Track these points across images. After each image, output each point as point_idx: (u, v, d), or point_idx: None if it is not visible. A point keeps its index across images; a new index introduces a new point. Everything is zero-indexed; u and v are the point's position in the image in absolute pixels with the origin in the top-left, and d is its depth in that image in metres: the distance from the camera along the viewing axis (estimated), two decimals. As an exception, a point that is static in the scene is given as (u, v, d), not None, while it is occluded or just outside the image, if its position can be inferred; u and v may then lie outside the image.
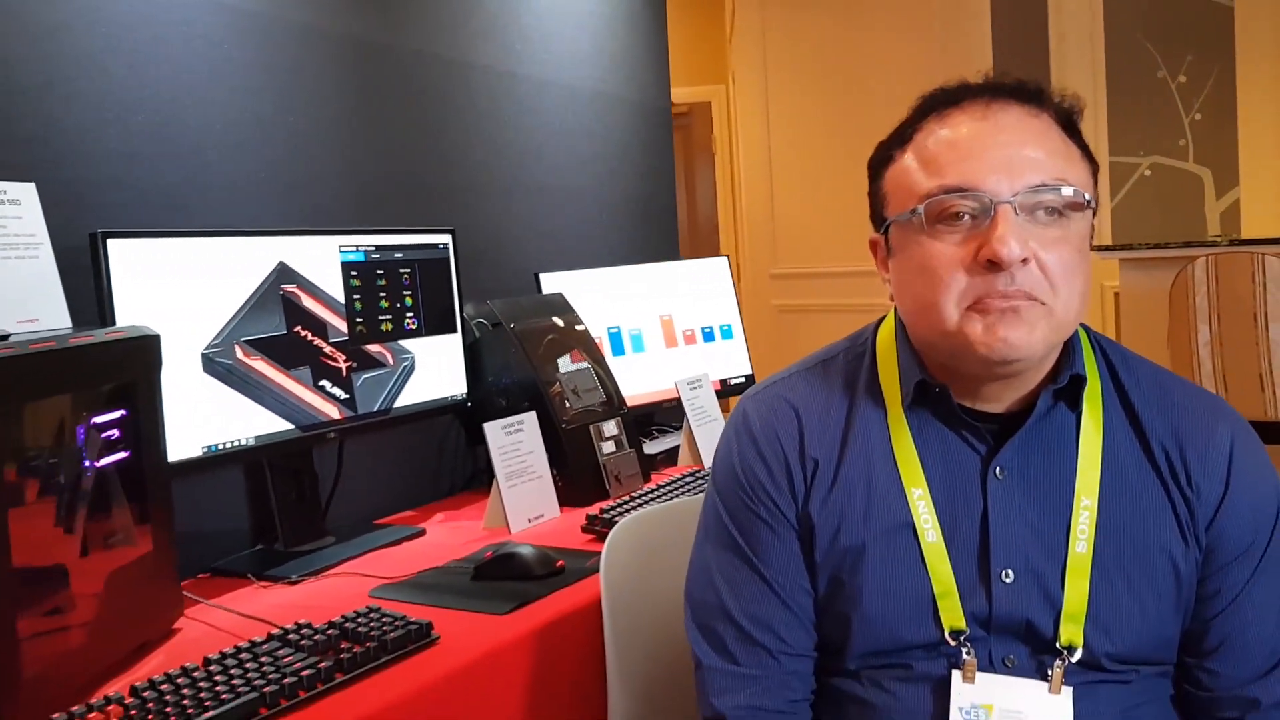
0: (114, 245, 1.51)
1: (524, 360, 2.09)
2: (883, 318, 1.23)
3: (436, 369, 2.04)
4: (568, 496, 2.03)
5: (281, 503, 1.82)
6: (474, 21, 2.46)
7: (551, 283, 2.43)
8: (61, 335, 1.31)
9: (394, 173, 2.23)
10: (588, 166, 2.85)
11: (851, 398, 1.16)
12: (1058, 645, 1.05)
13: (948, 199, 1.03)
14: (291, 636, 1.34)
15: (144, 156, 1.73)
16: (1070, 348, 1.10)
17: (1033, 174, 1.02)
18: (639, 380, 2.51)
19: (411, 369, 1.98)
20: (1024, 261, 1.00)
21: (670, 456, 2.41)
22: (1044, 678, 1.05)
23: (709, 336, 2.76)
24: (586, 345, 2.24)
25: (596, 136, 2.89)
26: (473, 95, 2.46)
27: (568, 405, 2.11)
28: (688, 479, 2.08)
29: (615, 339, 2.54)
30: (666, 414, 2.64)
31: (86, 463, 1.29)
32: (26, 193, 1.44)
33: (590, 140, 2.86)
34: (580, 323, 2.27)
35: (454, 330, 2.08)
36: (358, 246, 1.89)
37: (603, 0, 2.94)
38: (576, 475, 2.06)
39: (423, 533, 1.94)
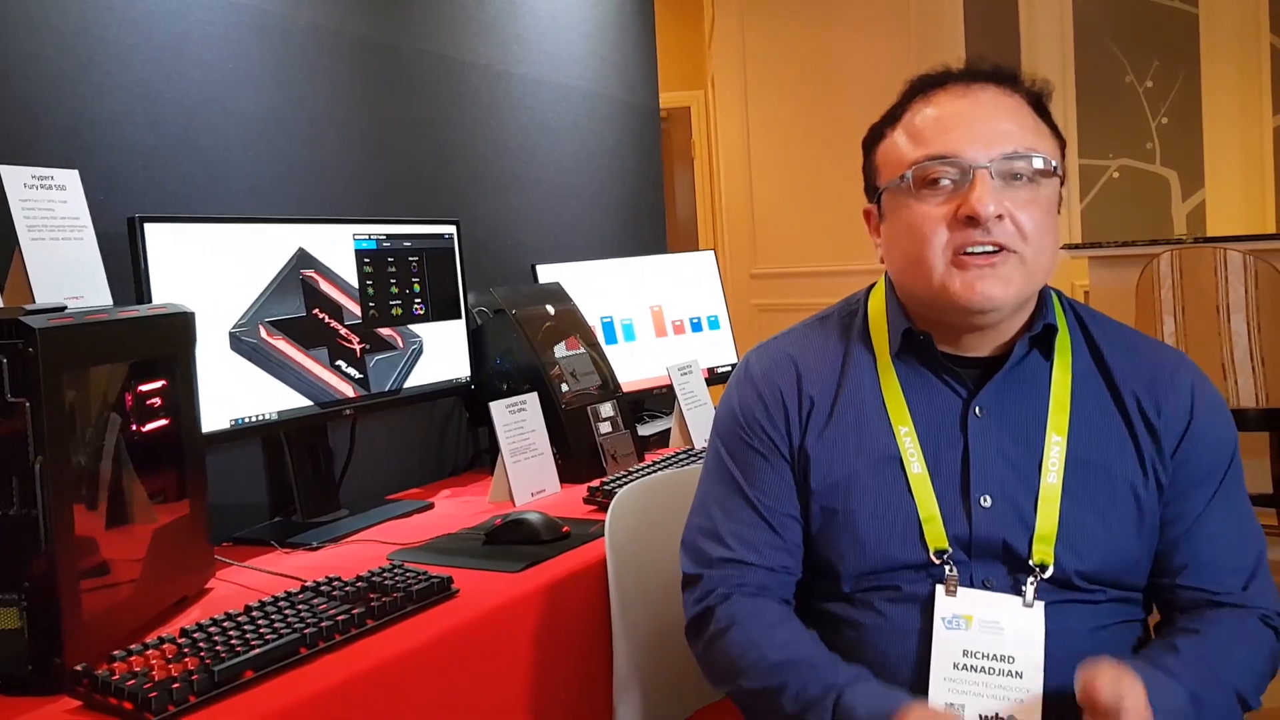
0: (150, 229, 1.61)
1: (526, 345, 2.20)
2: (874, 283, 1.38)
3: (442, 353, 2.15)
4: (567, 473, 2.14)
5: (299, 476, 1.92)
6: (474, 23, 2.58)
7: (547, 274, 2.54)
8: (110, 309, 1.41)
9: (401, 166, 2.34)
10: (581, 162, 2.97)
11: (845, 347, 1.31)
12: (1031, 563, 1.19)
13: (932, 165, 1.19)
14: (324, 588, 1.44)
15: (168, 148, 1.84)
16: (1043, 301, 1.25)
17: (1007, 144, 1.18)
18: (631, 368, 2.62)
19: (420, 352, 2.09)
20: (999, 218, 1.16)
21: (662, 439, 2.52)
22: (1019, 593, 1.19)
23: (697, 327, 2.88)
24: (583, 332, 2.36)
25: (589, 134, 3.01)
26: (473, 93, 2.58)
27: (566, 388, 2.22)
28: (681, 456, 2.19)
29: (608, 328, 2.65)
30: (657, 400, 2.75)
31: (134, 427, 1.39)
32: (71, 179, 1.54)
33: (583, 137, 2.98)
34: (577, 311, 2.39)
35: (458, 316, 2.19)
36: (370, 235, 1.99)
37: (594, 5, 3.07)
38: (575, 453, 2.17)
39: (431, 506, 2.05)
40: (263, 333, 1.78)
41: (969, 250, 1.17)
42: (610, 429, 2.26)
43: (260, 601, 1.39)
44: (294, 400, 1.83)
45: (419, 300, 2.10)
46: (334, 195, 2.15)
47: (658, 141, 3.26)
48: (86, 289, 1.52)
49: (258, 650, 1.24)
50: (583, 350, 2.32)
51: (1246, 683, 1.17)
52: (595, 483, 1.99)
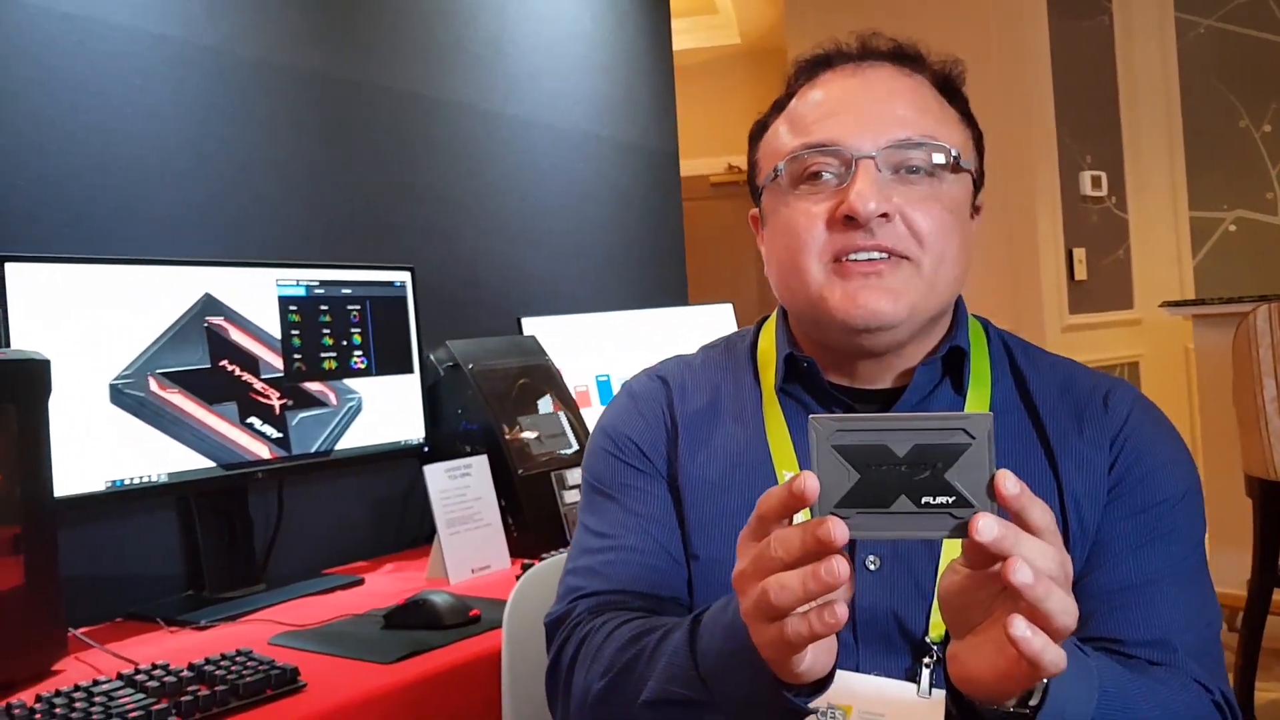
0: (12, 269, 1.47)
1: (480, 403, 1.99)
2: (769, 314, 1.16)
3: (389, 411, 1.95)
4: (523, 547, 1.91)
5: (208, 546, 1.74)
6: (453, 60, 2.42)
7: (535, 328, 2.33)
8: (-85, 353, 1.26)
9: (356, 209, 2.18)
10: (581, 209, 2.77)
11: (727, 377, 1.11)
12: (928, 640, 0.92)
13: (807, 156, 0.98)
14: (139, 678, 1.24)
15: (75, 185, 1.71)
16: (955, 323, 1.03)
17: (898, 130, 0.97)
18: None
19: (358, 409, 1.90)
20: (886, 217, 0.94)
21: (654, 509, 2.27)
22: (914, 679, 0.92)
23: (711, 386, 2.63)
24: (558, 390, 2.14)
25: (592, 179, 2.81)
26: (451, 133, 2.41)
27: (531, 451, 2.00)
28: (653, 530, 1.94)
29: (604, 388, 2.43)
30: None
31: (-66, 487, 1.23)
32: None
33: (585, 183, 2.79)
34: (551, 366, 2.17)
35: (410, 370, 2.00)
36: (299, 281, 1.82)
37: (600, 46, 2.89)
38: (534, 524, 1.94)
39: (361, 582, 1.84)
40: (153, 385, 1.61)
41: (851, 256, 0.96)
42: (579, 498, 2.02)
43: (56, 691, 1.20)
44: (192, 461, 1.65)
45: (360, 352, 1.91)
46: (268, 240, 1.99)
47: (676, 186, 3.03)
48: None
49: (10, 754, 1.04)
50: (556, 411, 2.10)
51: None
52: (536, 561, 1.75)
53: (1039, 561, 0.65)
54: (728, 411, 1.07)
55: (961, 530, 0.66)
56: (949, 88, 1.03)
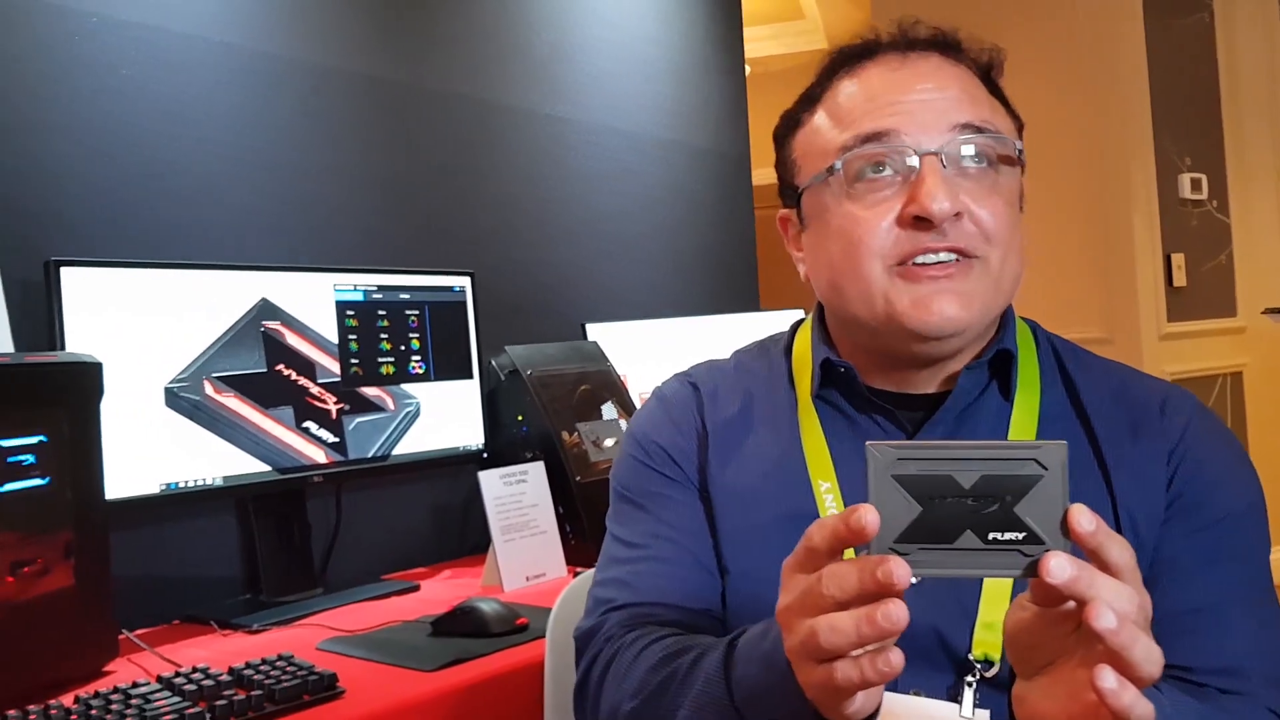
0: (67, 274, 1.49)
1: (538, 409, 1.97)
2: (804, 318, 1.10)
3: (447, 416, 1.94)
4: (580, 555, 1.88)
5: (266, 550, 1.74)
6: (517, 66, 2.41)
7: (600, 334, 2.30)
8: (-34, 355, 1.28)
9: (419, 215, 2.17)
10: (648, 214, 2.73)
11: (760, 383, 1.05)
12: (971, 659, 0.87)
13: (868, 149, 0.91)
14: (178, 681, 1.24)
15: (136, 192, 1.73)
16: (1004, 326, 0.97)
17: (959, 118, 0.91)
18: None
19: (416, 414, 1.89)
20: (957, 217, 0.88)
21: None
22: (956, 699, 0.87)
23: (782, 394, 2.57)
24: (620, 397, 2.10)
25: (659, 184, 2.77)
26: (513, 138, 2.39)
27: (590, 459, 1.97)
28: (714, 539, 1.89)
29: (672, 394, 2.38)
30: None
31: (-17, 486, 1.24)
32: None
33: (652, 188, 2.75)
34: (612, 372, 2.14)
35: (469, 376, 1.98)
36: (356, 285, 1.82)
37: (669, 50, 2.85)
38: (592, 532, 1.91)
39: (417, 588, 1.83)
40: (208, 389, 1.62)
41: (920, 260, 0.89)
42: (641, 506, 1.98)
43: (96, 692, 1.20)
44: (247, 464, 1.65)
45: (418, 357, 1.90)
46: (331, 246, 1.99)
47: (748, 191, 2.98)
48: (-21, 336, 1.40)
49: (42, 755, 1.04)
50: (616, 417, 2.07)
51: None
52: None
53: (1118, 604, 0.59)
54: (761, 419, 1.02)
55: (1033, 569, 0.61)
56: (990, 77, 0.98)
